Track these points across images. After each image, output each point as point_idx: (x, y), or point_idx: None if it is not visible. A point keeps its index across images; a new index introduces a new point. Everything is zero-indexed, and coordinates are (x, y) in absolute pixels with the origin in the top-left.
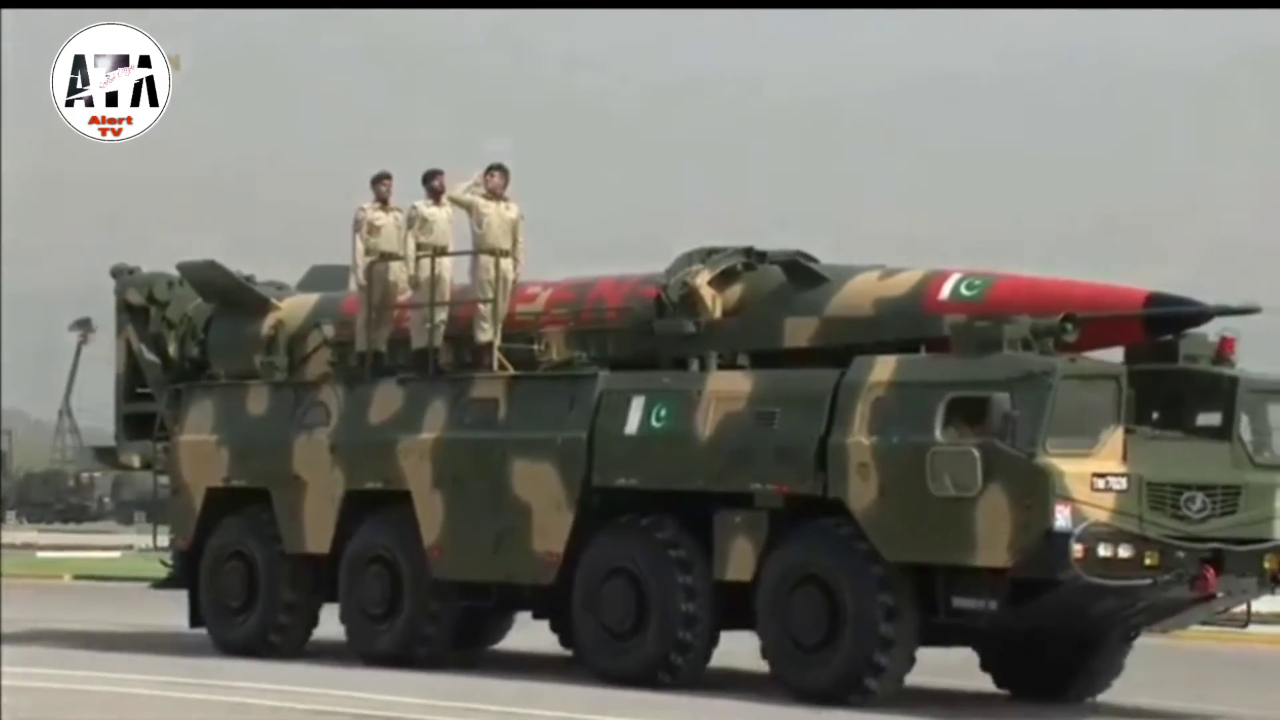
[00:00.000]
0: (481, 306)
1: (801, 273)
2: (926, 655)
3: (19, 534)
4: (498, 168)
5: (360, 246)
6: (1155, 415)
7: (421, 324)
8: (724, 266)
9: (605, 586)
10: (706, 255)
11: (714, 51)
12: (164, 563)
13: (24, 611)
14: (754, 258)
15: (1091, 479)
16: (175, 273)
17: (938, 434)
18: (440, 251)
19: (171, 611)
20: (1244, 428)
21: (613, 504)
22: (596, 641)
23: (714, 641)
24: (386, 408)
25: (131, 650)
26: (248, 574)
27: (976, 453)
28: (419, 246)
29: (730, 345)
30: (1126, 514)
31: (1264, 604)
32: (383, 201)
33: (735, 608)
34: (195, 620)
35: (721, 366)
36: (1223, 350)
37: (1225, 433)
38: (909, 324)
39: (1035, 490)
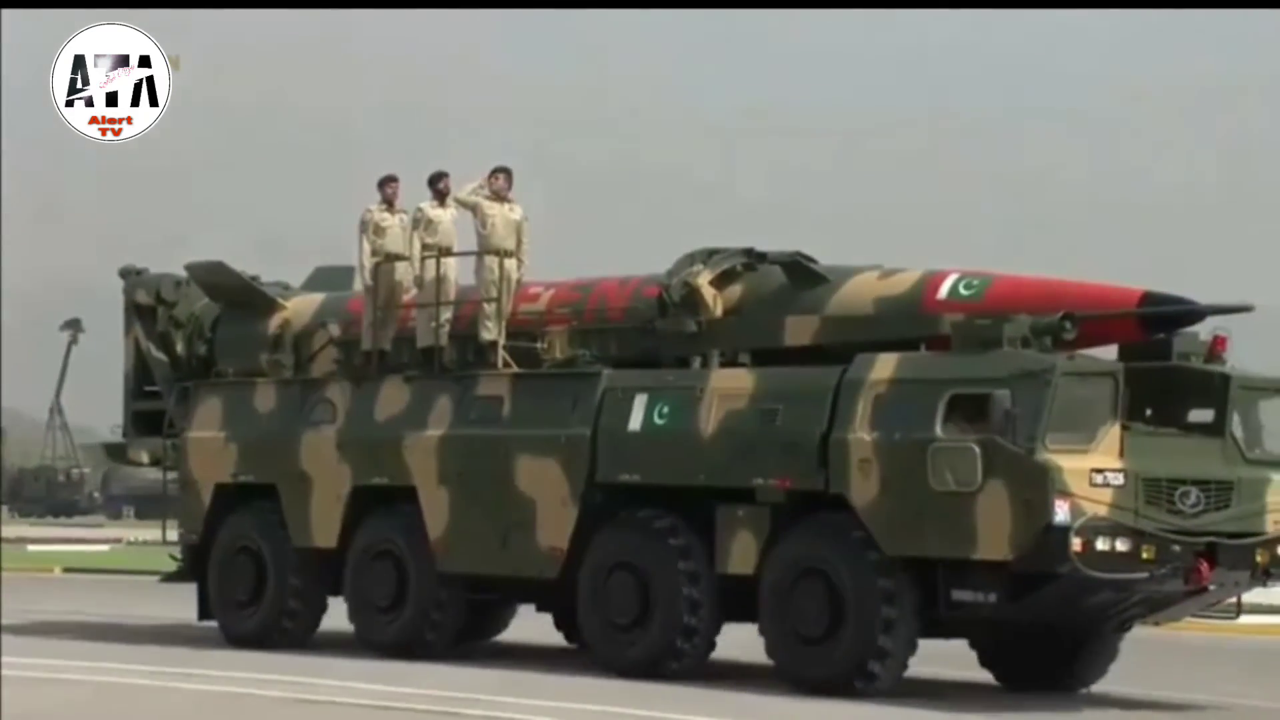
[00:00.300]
0: (486, 306)
1: (801, 273)
2: (925, 646)
3: (11, 528)
4: (502, 170)
5: (367, 247)
6: (1148, 412)
7: (427, 323)
8: (725, 267)
9: (610, 580)
10: (708, 255)
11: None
12: (173, 557)
13: (21, 603)
14: (754, 258)
15: (1090, 474)
16: (183, 273)
17: (938, 430)
18: (445, 252)
19: (171, 604)
20: (1236, 424)
21: (616, 499)
22: (602, 634)
23: (717, 634)
24: (392, 405)
25: (134, 642)
26: (256, 568)
27: (977, 448)
28: (424, 247)
29: (731, 344)
30: (1123, 508)
31: (1255, 595)
32: (389, 203)
33: (738, 601)
34: (204, 613)
35: (723, 365)
36: (1215, 348)
37: (1218, 429)
38: (908, 323)
39: (1035, 485)
